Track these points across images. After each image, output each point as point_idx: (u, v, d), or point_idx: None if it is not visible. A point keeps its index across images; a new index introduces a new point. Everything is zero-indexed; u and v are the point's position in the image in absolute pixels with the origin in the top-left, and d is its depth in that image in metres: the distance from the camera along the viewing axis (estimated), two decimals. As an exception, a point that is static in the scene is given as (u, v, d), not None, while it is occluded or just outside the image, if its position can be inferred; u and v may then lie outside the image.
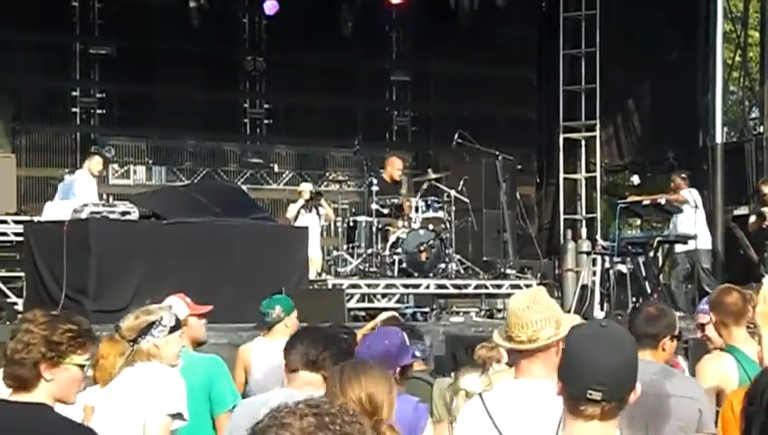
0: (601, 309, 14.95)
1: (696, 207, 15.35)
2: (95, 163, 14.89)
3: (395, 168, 15.88)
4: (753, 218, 15.25)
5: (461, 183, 15.63)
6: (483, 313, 15.03)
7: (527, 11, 20.62)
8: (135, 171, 18.19)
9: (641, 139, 20.00)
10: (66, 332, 3.83)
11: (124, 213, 12.44)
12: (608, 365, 2.91)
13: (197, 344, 6.64)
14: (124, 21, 18.05)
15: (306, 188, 15.68)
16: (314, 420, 1.82)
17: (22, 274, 13.11)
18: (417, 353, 5.00)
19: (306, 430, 1.80)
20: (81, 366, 3.87)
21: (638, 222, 17.97)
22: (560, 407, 3.45)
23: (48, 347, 3.79)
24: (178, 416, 5.11)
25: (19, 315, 10.79)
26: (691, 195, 15.43)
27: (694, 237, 15.06)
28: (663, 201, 15.07)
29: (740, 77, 19.84)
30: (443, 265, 14.83)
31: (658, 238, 15.01)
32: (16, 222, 14.38)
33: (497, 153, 16.18)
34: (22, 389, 3.78)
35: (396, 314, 8.50)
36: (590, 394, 2.88)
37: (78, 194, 14.10)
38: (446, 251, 14.87)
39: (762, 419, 1.43)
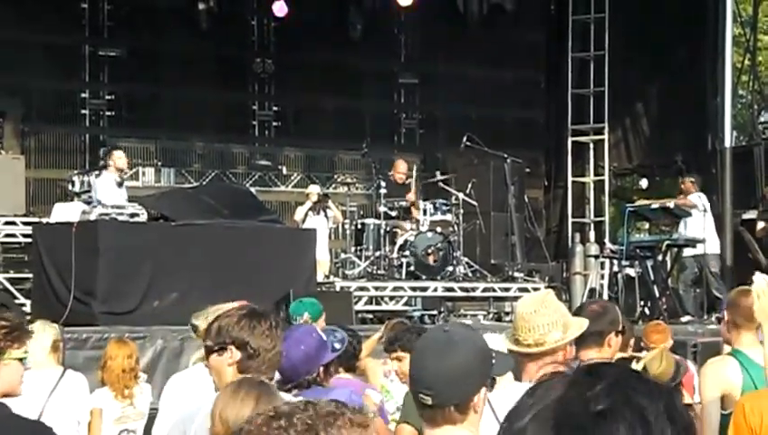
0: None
1: (705, 210, 15.34)
2: (117, 158, 14.77)
3: (397, 170, 15.91)
4: (761, 224, 15.25)
5: (469, 186, 15.63)
6: (491, 316, 15.03)
7: (536, 14, 20.61)
8: (144, 173, 18.20)
9: (650, 142, 19.98)
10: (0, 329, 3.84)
11: (133, 215, 12.47)
12: (437, 369, 3.02)
13: None
14: (133, 23, 18.08)
15: (314, 190, 15.68)
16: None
17: (30, 275, 13.13)
18: (337, 346, 4.97)
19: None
20: (21, 359, 3.89)
21: (647, 226, 17.95)
22: None
23: None
24: None
25: (27, 317, 10.80)
26: (700, 199, 15.42)
27: (702, 241, 15.05)
28: (671, 205, 15.06)
29: (749, 81, 19.82)
30: (451, 268, 14.83)
31: (667, 242, 15.00)
32: (25, 223, 14.40)
33: (505, 156, 16.17)
34: None
35: (403, 319, 8.54)
36: (422, 398, 3.01)
37: (101, 198, 14.07)
38: (454, 254, 14.87)
39: None
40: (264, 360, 3.92)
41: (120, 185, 14.56)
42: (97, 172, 15.08)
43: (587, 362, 1.38)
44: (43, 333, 6.55)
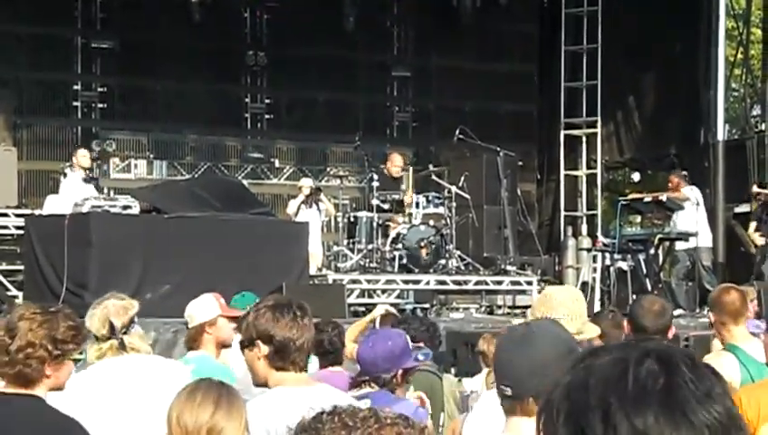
0: (601, 306, 14.95)
1: (698, 204, 15.35)
2: (81, 157, 14.87)
3: (394, 163, 15.89)
4: (761, 240, 15.19)
5: (462, 179, 15.62)
6: (483, 309, 15.03)
7: (529, 7, 20.62)
8: (136, 165, 18.18)
9: (642, 136, 20.00)
10: (69, 329, 3.86)
11: (125, 207, 12.45)
12: (515, 361, 3.14)
13: (223, 346, 6.44)
14: (126, 15, 18.05)
15: (306, 183, 15.68)
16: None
17: (22, 267, 13.11)
18: (420, 357, 5.00)
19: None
20: (77, 361, 3.98)
21: (639, 219, 17.95)
22: None
23: (54, 346, 3.81)
24: None
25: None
26: (692, 192, 15.42)
27: (695, 235, 15.06)
28: (664, 198, 15.07)
29: (742, 74, 19.84)
30: (443, 261, 14.83)
31: (659, 236, 15.01)
32: (17, 215, 14.38)
33: (498, 149, 16.17)
34: (21, 385, 3.78)
35: (389, 307, 8.52)
36: (502, 389, 3.14)
37: (64, 194, 14.07)
38: (447, 247, 14.87)
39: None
40: (293, 350, 3.91)
41: (87, 181, 14.59)
42: (66, 172, 15.08)
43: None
44: None
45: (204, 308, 5.96)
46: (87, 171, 14.88)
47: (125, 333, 4.89)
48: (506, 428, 3.18)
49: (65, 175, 15.08)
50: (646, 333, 4.33)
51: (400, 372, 4.69)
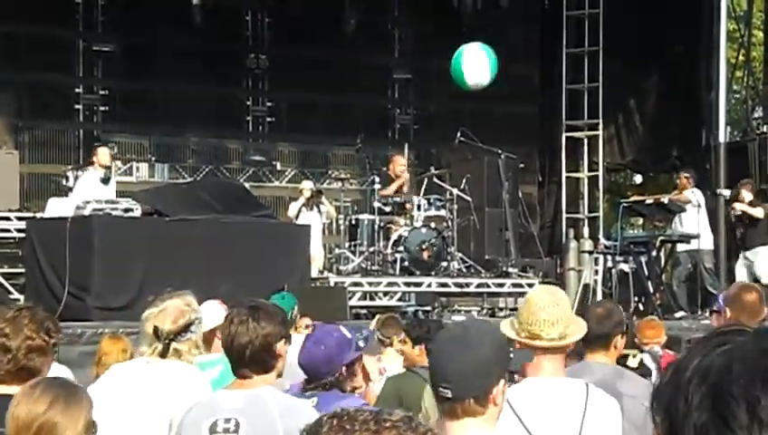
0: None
1: (699, 206, 15.35)
2: (102, 155, 14.79)
3: (398, 164, 15.90)
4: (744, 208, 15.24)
5: (463, 181, 15.62)
6: (485, 311, 15.03)
7: (530, 9, 20.61)
8: (138, 168, 18.18)
9: (644, 138, 20.00)
10: (48, 319, 4.02)
11: (127, 210, 12.45)
12: (455, 363, 3.12)
13: None
14: (127, 18, 18.05)
15: (307, 186, 15.68)
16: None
17: (24, 270, 13.11)
18: (361, 344, 4.93)
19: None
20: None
21: (641, 221, 17.97)
22: (582, 404, 3.57)
23: (48, 335, 3.94)
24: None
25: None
26: (694, 194, 15.43)
27: (696, 237, 15.06)
28: (666, 200, 15.07)
29: (743, 76, 19.83)
30: (445, 264, 14.83)
31: (661, 238, 15.01)
32: (19, 218, 14.38)
33: (499, 151, 16.18)
34: (23, 380, 3.80)
35: (394, 314, 8.53)
36: (441, 391, 3.11)
37: (81, 195, 14.04)
38: (448, 249, 14.87)
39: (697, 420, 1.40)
40: (248, 356, 4.04)
41: (105, 182, 14.56)
42: (83, 169, 15.08)
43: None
44: None
45: (212, 314, 5.96)
46: (107, 170, 14.77)
47: (173, 339, 4.79)
48: (449, 431, 3.13)
49: (76, 177, 15.06)
50: (586, 338, 4.30)
51: (344, 368, 4.68)
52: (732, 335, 1.42)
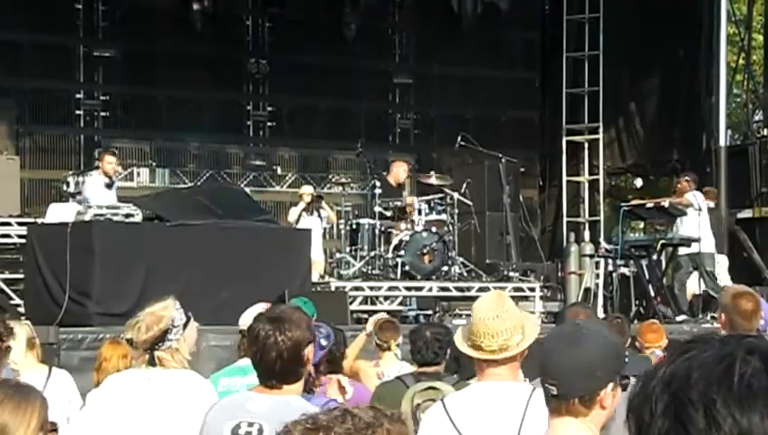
0: (604, 312, 14.94)
1: (700, 209, 15.34)
2: (107, 164, 14.76)
3: (401, 169, 15.90)
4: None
5: (464, 185, 15.62)
6: (486, 315, 14.99)
7: (530, 14, 20.62)
8: (138, 173, 18.19)
9: (644, 142, 20.00)
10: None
11: (127, 215, 12.45)
12: (563, 361, 3.11)
13: None
14: (128, 24, 18.07)
15: (307, 190, 15.67)
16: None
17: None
18: (323, 342, 4.91)
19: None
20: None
21: (642, 225, 17.95)
22: (522, 408, 3.57)
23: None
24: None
25: (22, 317, 10.79)
26: (695, 197, 15.42)
27: (697, 240, 15.06)
28: (666, 204, 15.07)
29: (744, 80, 19.85)
30: (446, 268, 14.82)
31: (662, 241, 15.00)
32: (20, 224, 14.37)
33: (500, 156, 16.18)
34: None
35: (391, 318, 8.51)
36: (547, 387, 3.11)
37: (88, 196, 14.06)
38: (449, 254, 14.87)
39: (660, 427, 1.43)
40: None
41: (108, 187, 14.56)
42: (90, 172, 15.07)
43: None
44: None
45: (250, 316, 5.98)
46: (113, 176, 14.74)
47: (153, 348, 4.80)
48: (550, 427, 3.15)
49: (77, 182, 15.06)
50: None
51: (312, 369, 4.68)
52: (698, 344, 1.45)
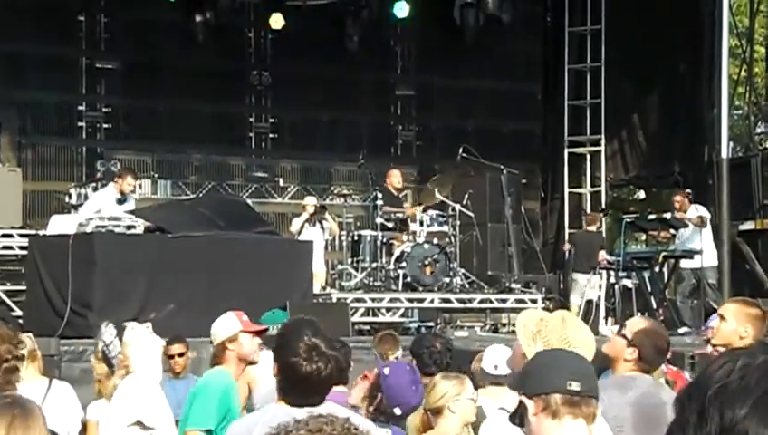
0: (606, 324, 14.93)
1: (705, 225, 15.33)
2: (127, 185, 14.61)
3: (394, 179, 15.94)
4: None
5: (466, 197, 15.63)
6: (487, 327, 15.02)
7: (532, 26, 20.64)
8: (140, 185, 18.17)
9: (646, 154, 19.99)
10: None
11: (129, 227, 12.45)
12: (586, 361, 3.29)
13: (248, 364, 6.14)
14: (130, 36, 18.10)
15: (310, 202, 15.67)
16: None
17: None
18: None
19: None
20: None
21: (644, 237, 17.95)
22: None
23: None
24: (138, 424, 5.13)
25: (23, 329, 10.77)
26: (697, 211, 15.42)
27: (699, 253, 15.05)
28: (668, 216, 15.07)
29: (746, 92, 19.86)
30: (447, 280, 14.82)
31: (664, 253, 15.01)
32: (22, 235, 14.37)
33: (502, 167, 16.19)
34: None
35: (391, 331, 8.52)
36: (570, 384, 3.11)
37: (98, 208, 14.04)
38: (451, 265, 14.87)
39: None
40: None
41: (119, 202, 14.53)
42: (103, 184, 15.04)
43: None
44: None
45: (224, 325, 5.97)
46: (128, 193, 14.66)
47: (113, 373, 5.04)
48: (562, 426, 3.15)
49: (79, 194, 15.03)
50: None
51: None
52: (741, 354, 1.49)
